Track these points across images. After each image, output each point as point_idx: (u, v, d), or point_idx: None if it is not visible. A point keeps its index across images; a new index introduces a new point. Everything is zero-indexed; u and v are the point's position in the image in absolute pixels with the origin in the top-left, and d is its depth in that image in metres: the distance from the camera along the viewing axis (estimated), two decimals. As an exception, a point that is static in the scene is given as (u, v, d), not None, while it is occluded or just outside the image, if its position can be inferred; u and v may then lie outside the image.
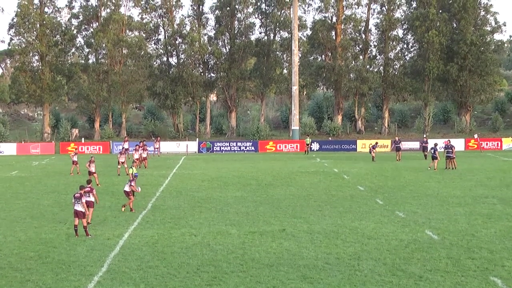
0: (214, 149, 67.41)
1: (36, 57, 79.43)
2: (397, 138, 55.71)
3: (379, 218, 24.48)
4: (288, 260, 18.06)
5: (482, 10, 78.74)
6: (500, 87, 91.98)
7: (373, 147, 53.04)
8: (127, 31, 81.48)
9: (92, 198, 23.58)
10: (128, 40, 79.50)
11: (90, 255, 18.88)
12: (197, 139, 71.48)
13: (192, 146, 67.63)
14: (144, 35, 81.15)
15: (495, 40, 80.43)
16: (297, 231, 22.08)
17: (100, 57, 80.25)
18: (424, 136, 63.17)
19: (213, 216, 25.42)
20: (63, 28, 79.76)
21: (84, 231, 21.60)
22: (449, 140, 48.68)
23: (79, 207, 21.59)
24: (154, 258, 18.48)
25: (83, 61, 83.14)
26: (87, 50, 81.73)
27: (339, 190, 33.47)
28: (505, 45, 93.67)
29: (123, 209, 26.98)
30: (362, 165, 47.93)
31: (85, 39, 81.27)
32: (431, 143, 52.39)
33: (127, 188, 27.01)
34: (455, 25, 78.36)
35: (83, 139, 74.95)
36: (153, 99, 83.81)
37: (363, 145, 64.95)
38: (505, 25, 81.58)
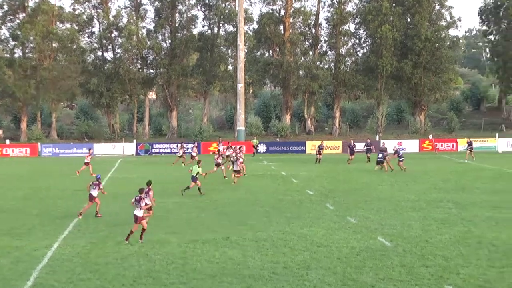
0: (153, 151, 66.90)
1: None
2: (352, 142, 55.89)
3: (329, 224, 24.67)
4: (232, 270, 18.04)
5: (437, 4, 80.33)
6: (456, 85, 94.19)
7: (320, 147, 53.67)
8: (58, 23, 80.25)
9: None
10: (59, 33, 78.26)
11: (14, 268, 18.49)
12: (135, 140, 70.87)
13: (129, 148, 67.01)
14: (76, 28, 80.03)
15: (450, 36, 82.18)
16: (242, 239, 22.08)
17: (27, 51, 78.88)
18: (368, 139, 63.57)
19: (152, 223, 25.12)
20: (-15, 19, 78.04)
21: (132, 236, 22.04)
22: (383, 143, 49.53)
23: (138, 212, 22.06)
24: (86, 270, 18.21)
25: (8, 55, 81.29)
26: (12, 43, 79.97)
27: (287, 194, 33.62)
28: (461, 41, 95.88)
29: (80, 216, 26.75)
30: (312, 168, 48.29)
31: (10, 31, 79.44)
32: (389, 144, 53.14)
33: (94, 193, 27.13)
34: (409, 20, 79.76)
35: (7, 140, 73.15)
36: (87, 97, 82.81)
37: (312, 146, 65.38)
38: (460, 20, 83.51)
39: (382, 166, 45.08)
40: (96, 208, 27.33)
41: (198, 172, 33.61)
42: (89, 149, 48.85)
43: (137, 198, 22.22)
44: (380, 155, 45.37)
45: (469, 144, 54.94)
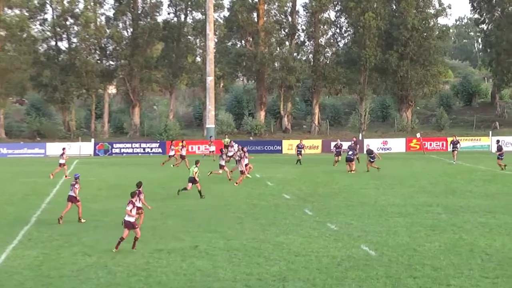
0: (113, 151, 66.63)
1: None
2: (339, 141, 56.06)
3: (308, 232, 24.70)
4: (201, 282, 17.98)
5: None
6: (445, 78, 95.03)
7: (300, 146, 53.84)
8: (5, 8, 79.70)
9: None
10: (7, 20, 77.73)
11: (-43, 282, 18.27)
12: (93, 139, 70.49)
13: (87, 147, 66.68)
14: (27, 14, 79.53)
15: (439, 25, 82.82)
16: (212, 248, 22.03)
17: (-28, 40, 78.18)
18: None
19: (112, 232, 25.00)
20: None
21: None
22: (353, 141, 50.02)
23: (128, 218, 22.12)
24: (38, 283, 18.03)
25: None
26: (-45, 31, 79.35)
27: (262, 199, 33.64)
28: (451, 30, 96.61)
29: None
30: (288, 169, 48.38)
31: (-48, 18, 78.84)
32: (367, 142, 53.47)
33: (72, 193, 27.24)
34: (394, 7, 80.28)
35: (-50, 140, 72.60)
36: (39, 91, 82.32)
37: (289, 145, 65.51)
38: (450, 8, 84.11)
39: (351, 164, 45.41)
40: (63, 211, 27.20)
41: (193, 172, 33.66)
42: (63, 148, 47.88)
43: (128, 203, 22.27)
44: (350, 153, 45.70)
45: (454, 143, 54.99)
